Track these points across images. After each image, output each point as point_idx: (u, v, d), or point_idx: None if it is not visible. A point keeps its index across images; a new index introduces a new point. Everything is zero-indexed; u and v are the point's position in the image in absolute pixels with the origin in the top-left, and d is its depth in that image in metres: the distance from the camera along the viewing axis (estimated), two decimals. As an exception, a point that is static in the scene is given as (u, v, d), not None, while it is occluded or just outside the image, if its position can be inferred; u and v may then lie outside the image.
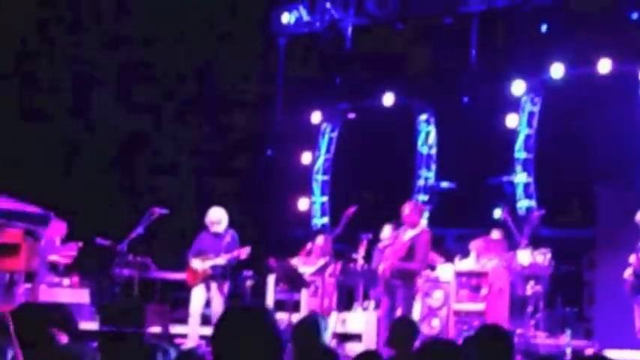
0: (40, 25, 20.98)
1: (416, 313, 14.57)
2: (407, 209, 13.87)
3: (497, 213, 17.75)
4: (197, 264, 14.34)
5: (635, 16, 17.66)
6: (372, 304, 15.30)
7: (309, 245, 16.47)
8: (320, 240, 16.26)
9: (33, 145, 20.12)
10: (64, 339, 8.97)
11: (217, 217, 14.49)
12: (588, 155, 17.51)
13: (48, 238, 15.92)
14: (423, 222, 14.13)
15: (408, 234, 13.78)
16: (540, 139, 19.06)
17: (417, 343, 8.49)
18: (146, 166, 21.64)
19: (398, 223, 14.28)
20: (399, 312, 13.44)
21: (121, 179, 21.26)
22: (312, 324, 8.03)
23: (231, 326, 4.39)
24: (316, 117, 21.52)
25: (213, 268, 14.28)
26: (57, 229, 16.16)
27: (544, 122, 19.09)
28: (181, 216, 17.60)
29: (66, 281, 15.94)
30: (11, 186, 18.83)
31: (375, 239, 15.72)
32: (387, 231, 15.52)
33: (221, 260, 14.23)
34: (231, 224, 14.67)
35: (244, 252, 14.32)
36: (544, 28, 18.27)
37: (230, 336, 4.36)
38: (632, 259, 13.99)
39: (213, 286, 14.31)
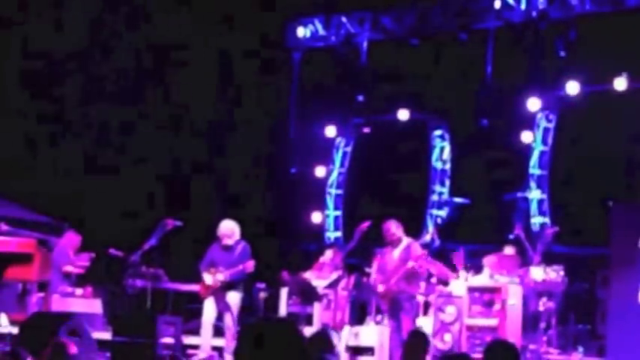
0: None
1: (428, 328, 14.57)
2: (392, 228, 14.10)
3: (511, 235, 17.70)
4: (208, 278, 14.35)
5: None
6: (384, 318, 15.30)
7: (321, 259, 16.48)
8: (328, 254, 16.24)
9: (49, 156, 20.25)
10: (73, 349, 9.00)
11: (228, 229, 14.50)
12: (603, 172, 17.48)
13: (61, 249, 15.98)
14: (406, 238, 14.29)
15: (397, 251, 14.02)
16: (555, 156, 19.04)
17: (429, 357, 8.52)
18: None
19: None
20: (405, 328, 13.57)
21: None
22: (323, 338, 8.01)
23: (257, 338, 4.35)
24: (331, 131, 21.53)
25: (222, 281, 14.28)
26: (71, 240, 16.21)
27: (559, 139, 19.06)
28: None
29: (79, 291, 15.97)
30: (25, 196, 19.00)
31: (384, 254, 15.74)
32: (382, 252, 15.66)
33: (225, 276, 14.20)
34: (246, 236, 14.69)
35: (249, 266, 14.29)
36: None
37: (256, 348, 4.32)
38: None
39: (224, 298, 14.31)
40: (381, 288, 14.07)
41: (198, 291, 14.68)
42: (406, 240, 14.30)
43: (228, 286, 14.28)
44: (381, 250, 14.48)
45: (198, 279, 14.71)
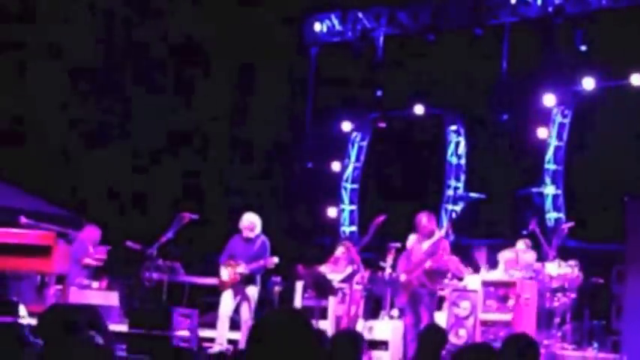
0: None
1: (442, 323, 14.61)
2: (424, 219, 14.04)
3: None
4: (225, 274, 14.43)
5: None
6: (397, 312, 15.35)
7: (335, 253, 16.53)
8: (339, 250, 16.27)
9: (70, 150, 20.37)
10: (99, 339, 9.08)
11: (250, 222, 14.60)
12: (618, 168, 17.48)
13: (80, 242, 16.07)
14: (438, 231, 14.27)
15: (426, 243, 13.96)
16: (570, 152, 19.04)
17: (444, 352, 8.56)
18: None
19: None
20: (424, 321, 13.55)
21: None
22: (354, 339, 7.97)
23: (270, 328, 4.40)
24: (347, 126, 21.59)
25: (242, 274, 14.36)
26: (91, 233, 16.29)
27: (574, 134, 19.07)
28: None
29: (96, 284, 16.05)
30: (45, 189, 19.12)
31: (403, 248, 15.78)
32: (412, 240, 15.64)
33: (245, 270, 14.29)
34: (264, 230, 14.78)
35: (271, 262, 14.39)
36: (583, 47, 18.15)
37: (268, 338, 4.36)
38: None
39: (242, 291, 14.39)
40: (403, 277, 14.01)
41: (217, 283, 14.76)
42: (438, 234, 14.25)
43: (247, 279, 14.37)
44: (400, 244, 14.49)
45: (215, 272, 14.79)
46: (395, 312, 15.39)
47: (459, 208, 20.37)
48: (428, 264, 13.87)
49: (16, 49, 20.02)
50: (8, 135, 19.69)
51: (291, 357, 4.30)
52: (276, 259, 14.45)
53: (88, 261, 16.04)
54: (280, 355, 4.30)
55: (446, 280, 14.89)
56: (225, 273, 14.42)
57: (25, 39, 20.15)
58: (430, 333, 8.95)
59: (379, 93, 20.58)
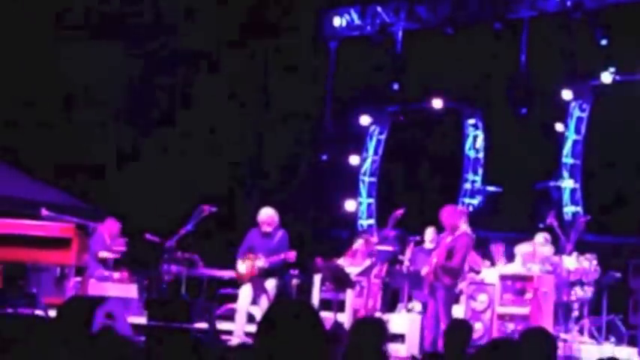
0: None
1: (460, 316, 14.65)
2: (444, 214, 13.81)
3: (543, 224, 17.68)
4: (242, 267, 14.50)
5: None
6: (415, 305, 15.39)
7: (354, 246, 16.59)
8: (358, 244, 16.31)
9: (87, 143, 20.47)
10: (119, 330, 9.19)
11: (268, 217, 14.64)
12: (636, 162, 17.47)
13: (99, 234, 16.17)
14: (464, 226, 13.98)
15: (449, 238, 13.84)
16: (588, 146, 19.05)
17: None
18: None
19: (440, 228, 14.36)
20: (440, 315, 13.58)
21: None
22: (376, 326, 7.97)
23: (278, 318, 4.47)
24: (365, 119, 21.64)
25: (261, 268, 14.42)
26: (110, 226, 16.38)
27: (592, 129, 19.07)
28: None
29: (115, 276, 16.15)
30: (65, 182, 19.24)
31: (422, 241, 15.85)
32: (429, 233, 15.68)
33: (265, 263, 14.35)
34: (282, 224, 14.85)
35: (291, 255, 14.43)
36: (604, 42, 18.12)
37: (277, 328, 4.43)
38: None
39: (261, 284, 14.46)
40: (424, 270, 13.95)
41: (237, 276, 14.82)
42: (462, 229, 14.01)
43: (267, 273, 14.43)
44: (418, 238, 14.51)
45: (233, 265, 14.87)
46: (412, 305, 15.45)
47: (476, 201, 20.40)
48: (443, 261, 13.74)
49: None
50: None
51: (299, 348, 4.37)
52: (294, 253, 14.50)
53: (104, 254, 16.13)
54: (288, 345, 4.37)
55: (462, 283, 14.82)
56: (243, 266, 14.49)
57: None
58: (456, 329, 8.95)
59: (398, 87, 20.61)
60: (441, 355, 9.86)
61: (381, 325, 7.97)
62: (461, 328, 8.94)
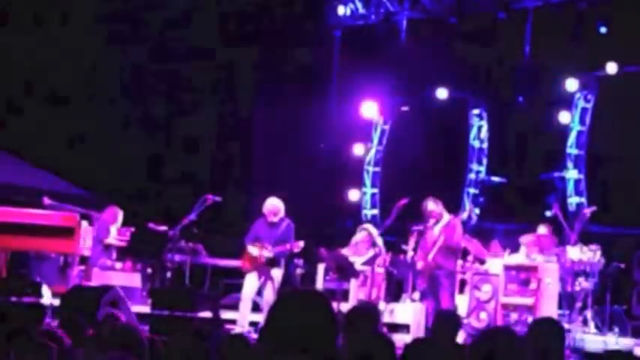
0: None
1: (464, 306, 14.66)
2: (429, 205, 14.26)
3: (548, 213, 17.65)
4: (255, 250, 14.51)
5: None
6: (418, 295, 15.40)
7: (354, 238, 16.55)
8: (359, 235, 16.28)
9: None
10: (123, 317, 9.19)
11: (274, 207, 14.67)
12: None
13: (102, 223, 16.16)
14: (447, 214, 14.45)
15: (437, 228, 14.11)
16: (593, 136, 19.02)
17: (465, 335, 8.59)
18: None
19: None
20: (444, 304, 13.67)
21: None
22: (369, 311, 7.98)
23: (288, 307, 4.43)
24: (370, 109, 21.59)
25: (268, 257, 14.45)
26: (113, 214, 16.38)
27: (597, 119, 19.04)
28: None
29: (118, 265, 16.15)
30: (69, 171, 19.24)
31: (425, 231, 15.82)
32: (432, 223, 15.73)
33: (271, 253, 14.39)
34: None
35: (297, 246, 14.49)
36: (603, 29, 18.09)
37: (286, 316, 4.40)
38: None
39: (266, 273, 14.47)
40: (420, 265, 14.14)
41: (241, 265, 14.84)
42: (447, 216, 14.43)
43: (272, 262, 14.46)
44: (422, 227, 14.59)
45: (237, 254, 14.86)
46: (416, 295, 15.43)
47: (480, 191, 20.39)
48: (440, 241, 14.03)
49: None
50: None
51: (308, 336, 4.34)
52: (301, 243, 14.54)
53: (108, 241, 16.12)
54: (297, 333, 4.34)
55: (461, 262, 14.92)
56: (255, 249, 14.51)
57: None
58: (441, 320, 8.93)
59: (402, 77, 20.56)
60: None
61: (374, 308, 7.98)
62: (446, 320, 8.90)
